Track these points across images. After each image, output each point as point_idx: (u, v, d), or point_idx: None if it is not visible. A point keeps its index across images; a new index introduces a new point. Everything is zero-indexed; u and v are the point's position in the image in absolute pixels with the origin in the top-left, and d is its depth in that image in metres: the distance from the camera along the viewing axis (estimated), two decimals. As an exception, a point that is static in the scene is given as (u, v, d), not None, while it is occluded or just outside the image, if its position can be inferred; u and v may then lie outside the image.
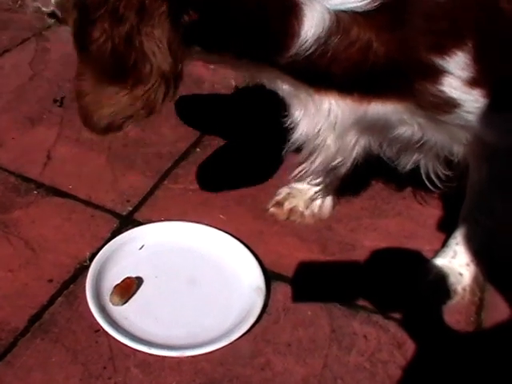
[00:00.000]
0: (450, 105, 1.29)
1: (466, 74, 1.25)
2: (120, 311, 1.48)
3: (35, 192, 1.81)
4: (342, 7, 1.17)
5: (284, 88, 1.38)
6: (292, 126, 1.44)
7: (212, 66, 2.23)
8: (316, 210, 1.76)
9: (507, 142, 1.38)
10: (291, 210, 1.76)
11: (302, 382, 1.37)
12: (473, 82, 1.26)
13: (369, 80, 1.27)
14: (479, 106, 1.30)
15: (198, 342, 1.41)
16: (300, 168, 1.59)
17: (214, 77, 2.22)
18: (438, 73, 1.24)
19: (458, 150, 1.44)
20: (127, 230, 1.68)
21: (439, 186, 1.56)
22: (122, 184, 1.83)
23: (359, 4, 1.16)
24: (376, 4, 1.16)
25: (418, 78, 1.26)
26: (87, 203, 1.78)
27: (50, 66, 2.31)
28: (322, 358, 1.42)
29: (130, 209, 1.76)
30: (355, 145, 1.45)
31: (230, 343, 1.41)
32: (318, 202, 1.76)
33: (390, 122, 1.38)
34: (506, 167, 1.42)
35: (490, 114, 1.31)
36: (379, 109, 1.33)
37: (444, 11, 1.20)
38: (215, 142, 1.98)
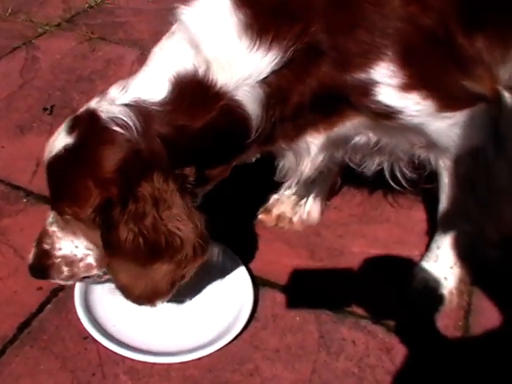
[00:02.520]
0: (391, 112, 1.33)
1: (396, 80, 1.29)
2: (109, 318, 1.48)
3: (24, 200, 1.81)
4: (264, 74, 1.27)
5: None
6: (278, 164, 1.53)
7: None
8: (304, 216, 1.77)
9: (467, 143, 1.39)
10: (279, 217, 1.77)
11: (290, 388, 1.38)
12: (406, 87, 1.30)
13: (319, 111, 1.35)
14: (422, 109, 1.33)
15: (187, 349, 1.42)
16: (285, 184, 1.69)
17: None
18: (368, 86, 1.30)
19: (420, 152, 1.46)
20: (116, 237, 1.68)
21: (405, 185, 1.57)
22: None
23: (274, 63, 1.26)
24: (288, 54, 1.25)
25: (354, 94, 1.32)
26: (76, 211, 1.78)
27: (39, 75, 2.32)
28: (310, 363, 1.42)
29: (119, 216, 1.76)
30: (324, 160, 1.49)
31: (219, 349, 1.42)
32: (307, 208, 1.77)
33: (348, 136, 1.43)
34: (472, 170, 1.44)
35: (438, 114, 1.34)
36: (339, 130, 1.40)
37: (356, 33, 1.27)
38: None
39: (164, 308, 1.50)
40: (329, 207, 1.82)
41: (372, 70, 1.28)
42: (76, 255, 1.38)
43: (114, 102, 1.26)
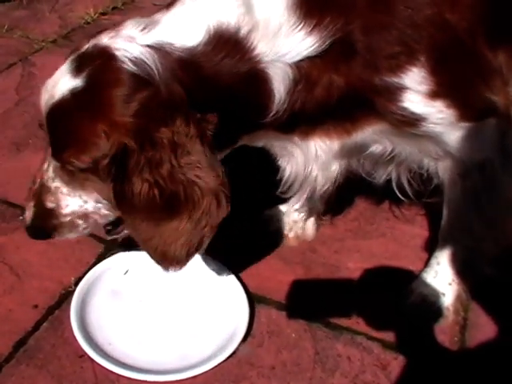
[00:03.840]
0: (416, 119, 1.32)
1: (424, 87, 1.28)
2: (104, 336, 1.48)
3: (21, 218, 1.81)
4: (299, 57, 1.24)
5: (275, 144, 1.44)
6: (282, 171, 1.49)
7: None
8: (299, 232, 1.77)
9: (477, 156, 1.40)
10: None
11: (286, 405, 1.38)
12: (433, 94, 1.30)
13: (340, 112, 1.33)
14: (444, 117, 1.33)
15: (182, 366, 1.42)
16: (292, 200, 1.68)
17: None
18: (396, 91, 1.29)
19: (429, 164, 1.46)
20: (112, 254, 1.68)
21: (411, 196, 1.56)
22: (107, 209, 1.83)
23: (311, 49, 1.23)
24: (325, 44, 1.23)
25: (380, 99, 1.30)
26: (72, 228, 1.78)
27: (36, 92, 2.29)
28: (306, 380, 1.42)
29: (115, 234, 1.76)
30: (338, 170, 1.48)
31: (214, 367, 1.42)
32: (301, 224, 1.77)
33: (365, 144, 1.42)
34: (479, 185, 1.44)
35: (457, 124, 1.34)
36: (356, 137, 1.38)
37: (391, 34, 1.26)
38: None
39: (159, 326, 1.51)
40: (324, 222, 1.82)
41: (403, 75, 1.27)
42: (87, 209, 1.31)
43: (133, 41, 1.17)
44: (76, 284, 1.59)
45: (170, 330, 1.50)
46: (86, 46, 1.21)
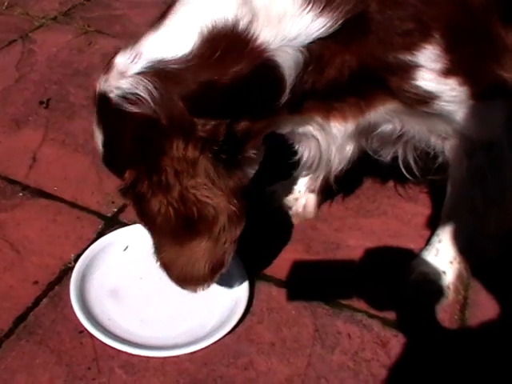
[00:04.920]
0: (429, 97, 1.31)
1: (438, 65, 1.27)
2: (104, 312, 1.48)
3: (21, 194, 1.81)
4: (309, 40, 1.20)
5: (296, 128, 1.41)
6: (300, 154, 1.49)
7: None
8: (300, 209, 1.76)
9: (486, 135, 1.39)
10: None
11: (285, 382, 1.38)
12: (447, 72, 1.28)
13: (354, 92, 1.31)
14: (457, 95, 1.31)
15: (182, 343, 1.42)
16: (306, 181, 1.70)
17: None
18: (410, 69, 1.27)
19: (436, 143, 1.45)
20: (112, 231, 1.68)
21: (417, 174, 1.56)
22: (107, 185, 1.83)
23: (322, 31, 1.20)
24: (337, 25, 1.19)
25: (393, 78, 1.28)
26: (73, 205, 1.78)
27: (36, 69, 2.31)
28: (305, 357, 1.42)
29: (115, 210, 1.76)
30: (352, 150, 1.47)
31: (214, 343, 1.42)
32: (302, 201, 1.76)
33: (377, 123, 1.41)
34: (485, 163, 1.43)
35: (468, 102, 1.33)
36: (370, 117, 1.37)
37: (406, 11, 1.23)
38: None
39: (159, 302, 1.51)
40: (325, 200, 1.81)
41: (417, 53, 1.25)
42: None
43: (123, 75, 1.17)
44: (76, 260, 1.59)
45: (170, 305, 1.50)
46: (96, 96, 1.25)
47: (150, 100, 1.15)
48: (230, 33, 1.17)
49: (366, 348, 1.44)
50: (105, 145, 1.25)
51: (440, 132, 1.41)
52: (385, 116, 1.38)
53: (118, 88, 1.17)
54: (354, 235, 1.72)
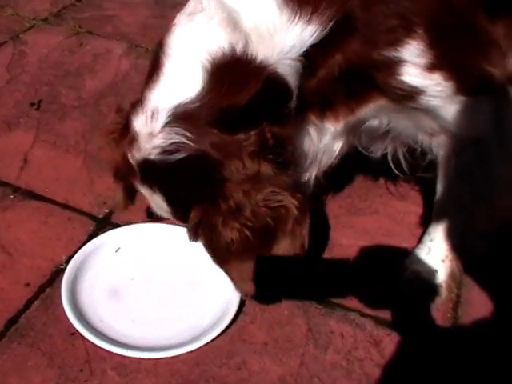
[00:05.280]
0: (414, 92, 1.32)
1: (423, 60, 1.28)
2: (95, 314, 1.48)
3: (12, 196, 1.80)
4: (304, 48, 1.24)
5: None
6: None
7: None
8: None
9: (473, 131, 1.39)
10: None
11: (278, 382, 1.37)
12: (431, 67, 1.29)
13: (344, 91, 1.34)
14: (442, 90, 1.32)
15: (174, 344, 1.42)
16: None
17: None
18: (395, 65, 1.28)
19: (423, 139, 1.46)
20: (104, 232, 1.67)
21: (406, 170, 1.57)
22: (98, 186, 1.83)
23: (314, 37, 1.23)
24: (327, 28, 1.23)
25: (380, 74, 1.30)
26: (64, 206, 1.77)
27: (27, 70, 2.30)
28: (298, 356, 1.42)
29: (107, 211, 1.76)
30: (341, 147, 1.49)
31: (206, 344, 1.41)
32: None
33: (364, 120, 1.43)
34: (473, 160, 1.43)
35: (454, 98, 1.34)
36: (360, 114, 1.39)
37: (389, 8, 1.25)
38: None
39: (151, 303, 1.51)
40: (317, 199, 1.81)
41: (401, 48, 1.26)
42: None
43: (153, 135, 1.21)
44: (67, 262, 1.58)
45: (162, 307, 1.50)
46: (135, 169, 1.27)
47: (188, 141, 1.19)
48: (231, 60, 1.21)
49: (359, 347, 1.44)
50: (169, 202, 1.28)
51: (426, 128, 1.42)
52: (372, 112, 1.39)
53: (154, 148, 1.21)
54: (347, 234, 1.72)
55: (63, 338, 1.45)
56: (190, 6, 1.28)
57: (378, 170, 1.74)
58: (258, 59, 1.22)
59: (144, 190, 1.31)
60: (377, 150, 1.56)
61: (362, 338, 1.46)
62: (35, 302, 1.53)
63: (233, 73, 1.21)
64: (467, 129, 1.39)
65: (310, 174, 1.58)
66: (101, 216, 1.74)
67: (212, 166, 1.21)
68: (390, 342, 1.46)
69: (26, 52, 2.39)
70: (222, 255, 1.27)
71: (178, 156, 1.20)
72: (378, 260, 1.66)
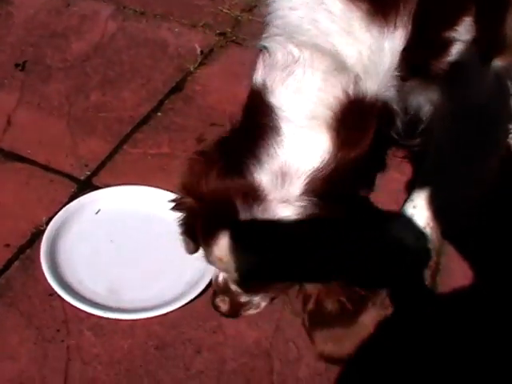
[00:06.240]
0: (451, 70, 1.29)
1: (469, 36, 1.26)
2: (74, 275, 1.48)
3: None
4: (397, 57, 1.19)
5: None
6: None
7: (177, 29, 2.22)
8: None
9: (480, 99, 1.38)
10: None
11: (253, 345, 1.39)
12: (473, 42, 1.27)
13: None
14: (475, 61, 1.30)
15: (151, 305, 1.42)
16: None
17: (178, 40, 2.19)
18: (448, 45, 1.25)
19: (428, 109, 1.44)
20: (85, 194, 1.67)
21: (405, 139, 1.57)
22: (81, 149, 1.82)
23: (402, 41, 1.18)
24: (409, 27, 1.17)
25: (432, 57, 1.26)
26: (46, 168, 1.76)
27: (13, 31, 2.26)
28: (274, 321, 1.43)
29: (89, 173, 1.75)
30: None
31: (183, 306, 1.42)
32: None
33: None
34: (473, 128, 1.43)
35: (475, 67, 1.32)
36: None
37: None
38: (177, 106, 1.96)
39: (130, 265, 1.51)
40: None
41: (458, 28, 1.23)
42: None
43: (289, 203, 1.15)
44: (47, 223, 1.58)
45: (140, 269, 1.50)
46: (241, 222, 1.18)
47: (321, 208, 1.15)
48: (347, 108, 1.14)
49: (335, 311, 1.45)
50: (264, 266, 1.22)
51: (436, 99, 1.40)
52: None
53: (292, 213, 1.15)
54: (329, 201, 1.71)
55: (41, 298, 1.45)
56: (277, 58, 1.18)
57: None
58: (369, 94, 1.16)
59: (228, 249, 1.20)
60: None
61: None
62: (15, 262, 1.53)
63: (352, 122, 1.15)
64: (477, 96, 1.37)
65: None
66: (82, 178, 1.73)
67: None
68: (366, 307, 1.46)
69: (13, 13, 2.35)
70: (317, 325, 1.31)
71: (309, 230, 1.16)
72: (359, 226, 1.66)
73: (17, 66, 2.11)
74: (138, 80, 2.04)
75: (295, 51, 1.15)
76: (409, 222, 1.58)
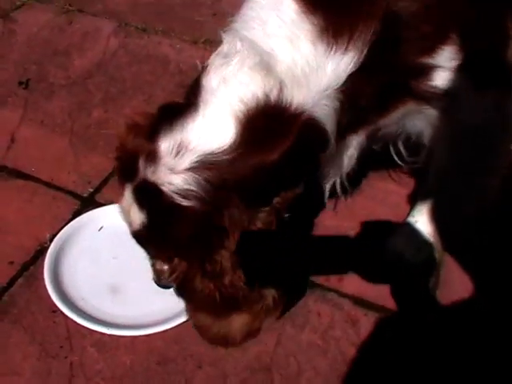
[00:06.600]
0: (443, 94, 1.32)
1: (453, 63, 1.28)
2: (77, 292, 1.50)
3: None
4: (342, 80, 1.19)
5: None
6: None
7: (178, 46, 2.25)
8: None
9: (478, 120, 1.39)
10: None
11: (254, 360, 1.40)
12: (459, 69, 1.29)
13: (376, 104, 1.31)
14: (467, 88, 1.32)
15: (153, 321, 1.44)
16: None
17: (180, 56, 2.21)
18: (429, 71, 1.28)
19: (428, 133, 1.46)
20: (88, 211, 1.69)
21: (407, 160, 1.59)
22: (83, 166, 1.84)
23: (351, 66, 1.18)
24: (364, 53, 1.18)
25: (413, 81, 1.29)
26: (49, 185, 1.79)
27: (16, 49, 2.30)
28: (275, 335, 1.44)
29: (91, 190, 1.77)
30: (358, 153, 1.47)
31: (184, 322, 1.43)
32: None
33: (383, 126, 1.42)
34: (474, 149, 1.44)
35: (472, 92, 1.33)
36: (383, 122, 1.38)
37: (423, 15, 1.23)
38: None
39: (132, 282, 1.52)
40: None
41: (436, 55, 1.26)
42: None
43: (173, 171, 1.16)
44: (51, 240, 1.60)
45: (142, 285, 1.50)
46: (139, 177, 1.21)
47: (205, 196, 1.15)
48: (264, 109, 1.16)
49: (336, 326, 1.46)
50: (148, 229, 1.24)
51: (436, 122, 1.42)
52: (396, 119, 1.39)
53: (170, 183, 1.16)
54: (330, 214, 1.72)
55: (45, 315, 1.47)
56: (225, 47, 1.24)
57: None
58: (294, 105, 1.17)
59: (130, 202, 1.24)
60: (377, 145, 1.56)
61: (338, 318, 1.48)
62: (19, 279, 1.55)
63: (265, 125, 1.16)
64: (475, 119, 1.38)
65: (334, 181, 1.60)
66: (85, 195, 1.75)
67: (217, 232, 1.18)
68: (366, 321, 1.47)
69: (16, 30, 2.38)
70: (188, 294, 1.31)
71: (189, 204, 1.16)
72: (360, 239, 1.67)
73: (20, 83, 2.14)
74: (140, 96, 2.06)
75: (238, 45, 1.20)
76: (409, 236, 1.60)
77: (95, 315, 1.45)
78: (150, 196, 1.20)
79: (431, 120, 1.42)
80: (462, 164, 1.47)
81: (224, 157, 1.15)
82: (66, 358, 1.40)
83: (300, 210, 1.31)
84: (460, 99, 1.34)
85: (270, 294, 1.29)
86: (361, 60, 1.18)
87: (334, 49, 1.17)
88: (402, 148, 1.55)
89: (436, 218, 1.57)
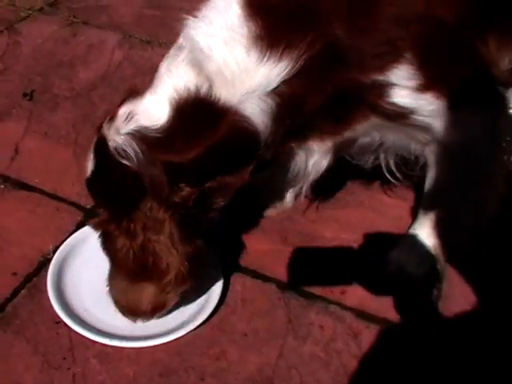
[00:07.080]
0: (406, 112, 1.36)
1: (413, 82, 1.31)
2: (80, 303, 1.50)
3: (1, 186, 1.83)
4: (273, 85, 1.26)
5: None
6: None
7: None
8: (278, 202, 1.77)
9: (464, 140, 1.41)
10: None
11: (256, 372, 1.40)
12: (422, 88, 1.32)
13: (330, 117, 1.38)
14: (435, 108, 1.35)
15: (156, 333, 1.44)
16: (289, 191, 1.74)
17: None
18: (384, 87, 1.32)
19: (415, 148, 1.49)
20: (91, 222, 1.69)
21: (400, 178, 1.61)
22: (87, 177, 1.84)
23: (284, 74, 1.25)
24: (299, 63, 1.24)
25: (369, 96, 1.33)
26: (53, 196, 1.80)
27: (21, 60, 2.32)
28: (277, 347, 1.44)
29: (95, 202, 1.77)
30: (328, 162, 1.52)
31: (187, 333, 1.44)
32: (280, 194, 1.77)
33: (355, 138, 1.47)
34: (464, 165, 1.46)
35: (447, 113, 1.36)
36: (349, 133, 1.43)
37: (376, 34, 1.28)
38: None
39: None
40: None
41: (389, 73, 1.29)
42: None
43: (118, 132, 1.29)
44: (54, 252, 1.61)
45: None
46: (100, 134, 1.34)
47: (136, 160, 1.26)
48: (194, 101, 1.27)
49: (338, 339, 1.46)
50: (93, 174, 1.37)
51: (419, 139, 1.45)
52: (363, 131, 1.43)
53: (114, 141, 1.29)
54: (331, 226, 1.73)
55: (48, 326, 1.48)
56: (180, 41, 1.33)
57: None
58: (221, 101, 1.26)
59: (91, 148, 1.37)
60: (367, 161, 1.60)
61: (340, 330, 1.48)
62: (22, 291, 1.55)
63: (194, 114, 1.27)
64: (460, 138, 1.41)
65: (300, 188, 1.62)
66: (88, 206, 1.76)
67: (138, 192, 1.29)
68: (368, 334, 1.48)
69: (21, 42, 2.41)
70: (110, 253, 1.40)
71: (120, 161, 1.28)
72: (361, 252, 1.68)
73: (25, 95, 2.15)
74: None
75: (181, 41, 1.32)
76: (411, 249, 1.60)
77: (98, 326, 1.45)
78: (100, 149, 1.33)
79: (412, 135, 1.44)
80: (455, 178, 1.49)
81: (155, 134, 1.27)
82: (68, 369, 1.40)
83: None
84: (440, 118, 1.37)
85: (175, 268, 1.33)
86: (296, 69, 1.25)
87: (267, 55, 1.24)
88: (393, 166, 1.58)
89: (436, 231, 1.58)
